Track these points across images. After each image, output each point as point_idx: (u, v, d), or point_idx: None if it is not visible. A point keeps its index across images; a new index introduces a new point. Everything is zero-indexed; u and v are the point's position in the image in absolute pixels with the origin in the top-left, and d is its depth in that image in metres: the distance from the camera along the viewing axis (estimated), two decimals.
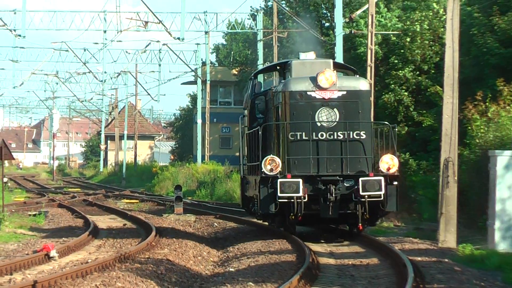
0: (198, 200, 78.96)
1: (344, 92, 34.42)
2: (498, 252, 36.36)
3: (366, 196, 33.18)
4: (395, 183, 35.21)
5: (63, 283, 27.91)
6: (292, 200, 32.69)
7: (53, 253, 36.39)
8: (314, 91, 34.00)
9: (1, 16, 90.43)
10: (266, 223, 44.74)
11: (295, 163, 35.27)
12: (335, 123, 34.58)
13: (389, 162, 34.52)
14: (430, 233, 44.03)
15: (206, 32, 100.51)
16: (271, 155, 34.76)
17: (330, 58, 53.60)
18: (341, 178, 34.25)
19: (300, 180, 33.10)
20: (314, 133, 34.56)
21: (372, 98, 45.18)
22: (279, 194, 32.47)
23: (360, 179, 33.26)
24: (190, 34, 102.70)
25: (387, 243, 36.72)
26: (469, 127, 49.29)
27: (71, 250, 39.70)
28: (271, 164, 33.17)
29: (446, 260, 32.99)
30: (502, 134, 47.24)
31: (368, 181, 33.07)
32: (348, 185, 33.93)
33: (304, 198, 33.21)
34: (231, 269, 32.35)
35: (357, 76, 39.83)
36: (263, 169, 33.76)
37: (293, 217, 34.36)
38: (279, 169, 33.66)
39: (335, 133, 34.50)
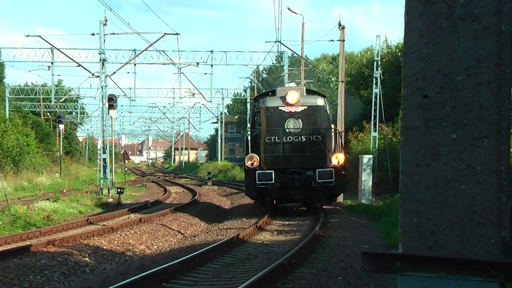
0: (218, 179, 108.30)
1: (306, 107, 40.21)
2: (363, 204, 55.91)
3: (321, 183, 38.29)
4: (343, 173, 41.12)
5: (153, 218, 42.57)
6: (267, 186, 38.08)
7: (149, 204, 54.58)
8: (284, 106, 39.86)
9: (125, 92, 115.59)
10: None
11: (270, 159, 40.68)
12: (299, 129, 40.31)
13: (338, 158, 40.15)
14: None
15: (223, 98, 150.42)
16: (252, 153, 40.94)
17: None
18: (304, 170, 39.59)
19: (273, 172, 38.34)
20: (284, 137, 40.13)
21: (327, 112, 47.79)
22: (257, 182, 37.92)
23: (317, 170, 38.57)
24: (215, 99, 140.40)
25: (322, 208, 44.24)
26: (350, 144, 75.37)
27: (158, 202, 59.04)
28: (252, 160, 39.36)
29: (338, 208, 49.92)
30: (365, 147, 70.09)
31: (323, 171, 38.25)
32: (309, 175, 39.01)
33: (277, 184, 38.34)
34: (235, 209, 51.76)
35: (318, 96, 45.62)
36: (246, 164, 40.54)
37: (268, 198, 40.44)
38: (257, 163, 39.41)
39: (300, 137, 40.07)
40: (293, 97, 39.93)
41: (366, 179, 57.03)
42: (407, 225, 5.20)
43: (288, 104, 40.06)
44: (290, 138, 40.54)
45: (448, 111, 5.23)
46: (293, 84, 52.68)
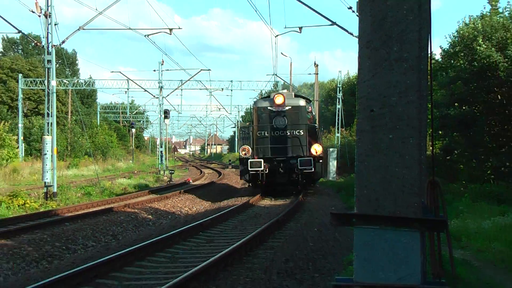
0: (235, 164, 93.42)
1: (290, 107, 35.34)
2: (330, 180, 53.31)
3: (302, 169, 33.80)
4: (320, 161, 35.85)
5: (192, 190, 40.64)
6: (258, 172, 33.95)
7: (190, 181, 52.44)
8: (272, 106, 35.38)
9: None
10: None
11: (260, 150, 35.77)
12: (285, 125, 35.43)
13: (316, 149, 34.83)
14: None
15: (238, 111, 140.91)
16: (245, 145, 36.43)
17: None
18: (288, 159, 34.94)
19: (262, 160, 34.03)
20: (271, 132, 35.38)
21: (309, 110, 40.86)
22: (249, 169, 33.89)
23: (298, 159, 34.06)
24: (234, 112, 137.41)
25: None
26: (322, 141, 61.85)
27: (196, 180, 57.25)
28: (245, 150, 35.22)
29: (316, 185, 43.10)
30: (331, 143, 65.51)
31: (303, 160, 33.69)
32: (292, 163, 34.34)
33: (266, 171, 34.14)
34: (243, 190, 42.80)
35: (301, 98, 38.69)
36: (240, 154, 35.96)
37: (259, 182, 35.68)
38: (249, 154, 35.03)
39: (285, 131, 35.25)
40: (280, 98, 35.76)
41: (332, 163, 57.05)
42: (360, 195, 5.23)
43: (275, 105, 35.60)
44: (277, 133, 35.73)
45: (387, 120, 5.26)
46: (284, 91, 45.85)
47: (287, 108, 35.62)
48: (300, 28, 39.46)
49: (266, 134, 35.64)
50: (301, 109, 36.29)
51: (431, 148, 6.97)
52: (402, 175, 5.13)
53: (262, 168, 33.65)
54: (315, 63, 68.06)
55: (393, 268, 5.02)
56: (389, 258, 5.03)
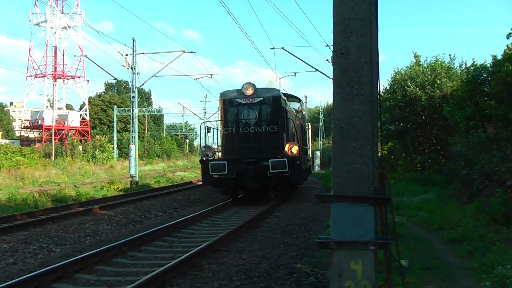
0: None
1: (261, 99, 22.12)
2: (316, 172, 50.87)
3: (275, 173, 20.17)
4: (298, 162, 21.07)
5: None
6: (222, 177, 20.81)
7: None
8: (241, 98, 22.14)
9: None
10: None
11: (227, 150, 22.40)
12: (255, 120, 21.87)
13: (291, 148, 21.21)
14: None
15: None
16: (206, 145, 23.59)
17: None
18: (259, 160, 21.00)
19: (225, 162, 20.64)
20: (240, 128, 22.09)
21: (299, 109, 29.51)
22: (211, 173, 20.55)
23: (270, 160, 20.36)
24: None
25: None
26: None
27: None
28: (207, 151, 21.98)
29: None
30: (316, 148, 65.29)
31: (276, 162, 20.15)
32: (264, 165, 20.61)
33: (232, 175, 20.51)
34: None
35: (275, 90, 23.74)
36: (202, 154, 22.24)
37: (224, 189, 22.17)
38: (211, 154, 21.78)
39: (256, 128, 21.87)
40: (249, 88, 22.35)
41: (317, 161, 57.13)
42: (334, 182, 5.23)
43: (244, 96, 22.45)
44: (246, 129, 22.35)
45: (352, 134, 5.26)
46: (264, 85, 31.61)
47: (258, 100, 22.19)
48: (295, 73, 38.25)
49: (233, 131, 22.16)
50: (276, 102, 22.20)
51: (380, 151, 6.96)
52: (361, 169, 5.15)
53: (226, 172, 20.38)
54: (305, 96, 69.28)
55: (355, 230, 5.04)
56: (353, 223, 5.05)
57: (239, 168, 20.22)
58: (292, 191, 23.61)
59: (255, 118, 21.33)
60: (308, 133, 35.31)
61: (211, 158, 20.99)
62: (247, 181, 20.33)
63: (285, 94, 25.16)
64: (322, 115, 73.54)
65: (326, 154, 63.43)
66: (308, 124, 35.63)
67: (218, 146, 22.67)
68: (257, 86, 21.79)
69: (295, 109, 27.94)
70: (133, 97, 33.08)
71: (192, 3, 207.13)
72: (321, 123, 72.61)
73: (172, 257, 10.25)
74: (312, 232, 13.54)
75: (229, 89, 22.45)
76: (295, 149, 20.23)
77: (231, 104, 21.56)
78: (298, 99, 30.15)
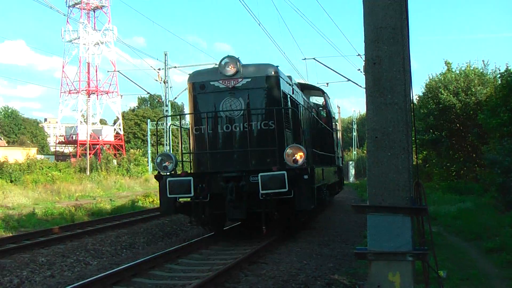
0: None
1: (249, 79, 13.38)
2: (351, 182, 50.78)
3: (269, 194, 11.92)
4: (306, 177, 12.33)
5: None
6: (190, 202, 13.08)
7: None
8: (217, 81, 13.49)
9: None
10: None
11: (197, 160, 13.99)
12: (241, 113, 13.25)
13: (293, 154, 12.36)
14: None
15: None
16: (165, 152, 16.21)
17: None
18: (246, 174, 12.58)
19: (191, 179, 12.47)
20: (218, 126, 13.60)
21: (323, 104, 21.83)
22: (168, 195, 12.72)
23: (260, 175, 11.93)
24: None
25: None
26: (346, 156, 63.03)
27: None
28: (166, 161, 13.58)
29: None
30: (350, 158, 65.22)
31: (268, 177, 11.75)
32: (254, 181, 12.24)
33: (206, 198, 12.66)
34: None
35: (271, 66, 13.62)
36: (157, 165, 13.71)
37: (194, 219, 13.35)
38: (172, 166, 13.49)
39: (241, 125, 13.27)
40: (230, 66, 13.38)
41: (352, 171, 56.91)
42: (370, 192, 5.23)
43: (224, 77, 13.46)
44: (227, 127, 13.42)
45: (386, 143, 5.26)
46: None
47: (245, 81, 13.64)
48: (327, 83, 37.98)
49: (208, 130, 13.65)
50: (273, 84, 13.48)
51: (415, 160, 6.92)
52: (397, 179, 5.15)
53: (192, 194, 12.54)
54: (337, 106, 69.00)
55: (392, 240, 5.03)
56: (390, 233, 5.03)
57: (214, 187, 12.61)
58: (299, 221, 14.78)
59: (241, 110, 13.20)
60: (338, 136, 25.01)
61: (172, 171, 13.37)
62: (229, 208, 12.41)
63: (302, 85, 19.44)
64: (355, 125, 73.19)
65: (361, 163, 63.06)
66: (337, 125, 25.28)
67: (190, 153, 14.40)
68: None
69: (317, 104, 21.62)
70: (166, 110, 33.53)
71: (223, 16, 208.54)
72: (354, 133, 72.23)
73: (209, 270, 10.17)
74: (350, 243, 13.45)
75: (203, 68, 15.38)
76: (299, 156, 12.19)
77: (203, 90, 13.56)
78: (321, 91, 22.25)
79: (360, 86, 36.55)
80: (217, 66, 13.75)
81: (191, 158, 14.16)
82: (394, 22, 5.50)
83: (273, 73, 13.36)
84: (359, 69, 33.07)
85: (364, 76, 5.75)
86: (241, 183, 12.40)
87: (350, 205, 15.56)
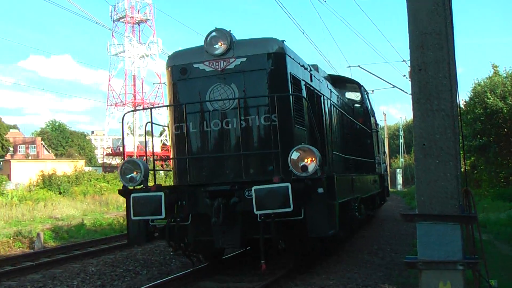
0: None
1: (244, 60, 8.97)
2: (398, 190, 50.48)
3: (272, 215, 7.95)
4: (321, 190, 8.11)
5: None
6: (168, 223, 8.79)
7: None
8: (202, 62, 9.19)
9: None
10: None
11: (178, 168, 9.75)
12: (234, 103, 8.93)
13: (301, 159, 8.13)
14: None
15: None
16: (132, 158, 10.89)
17: None
18: (240, 188, 8.58)
19: (162, 194, 8.42)
20: (205, 124, 9.24)
21: (359, 99, 17.96)
22: (132, 217, 8.66)
23: (254, 188, 7.93)
24: None
25: None
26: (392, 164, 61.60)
27: None
28: (132, 171, 9.08)
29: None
30: (397, 166, 64.03)
31: (265, 191, 7.80)
32: (250, 197, 8.08)
33: (187, 220, 8.79)
34: None
35: (276, 41, 9.31)
36: (121, 176, 9.22)
37: (175, 245, 9.39)
38: (140, 176, 8.98)
39: (235, 119, 8.94)
40: (219, 42, 9.08)
41: (399, 179, 56.27)
42: (419, 201, 5.20)
43: (211, 58, 9.16)
44: (216, 124, 9.15)
45: (434, 151, 5.22)
46: None
47: (239, 62, 9.14)
48: (373, 90, 37.75)
49: (191, 128, 9.43)
50: (276, 63, 9.17)
51: (463, 166, 6.84)
52: (445, 187, 5.11)
53: (164, 215, 8.54)
54: (383, 113, 68.51)
55: (443, 249, 4.98)
56: (440, 242, 4.98)
57: (197, 205, 9.03)
58: (316, 249, 10.59)
59: (234, 100, 9.26)
60: (379, 138, 20.94)
61: (140, 183, 9.31)
62: (216, 233, 8.88)
63: (333, 77, 15.90)
64: (402, 132, 72.26)
65: (408, 171, 62.29)
66: (378, 125, 21.27)
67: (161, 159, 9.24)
68: None
69: (352, 100, 17.90)
70: None
71: (266, 25, 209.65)
72: (401, 140, 71.33)
73: (258, 280, 9.90)
74: (399, 252, 13.31)
75: (186, 48, 10.50)
76: (310, 160, 8.34)
77: (185, 75, 9.70)
78: (356, 84, 18.20)
79: (406, 92, 36.17)
80: (202, 45, 9.57)
81: (173, 166, 10.24)
82: (438, 27, 5.46)
83: (276, 49, 9.32)
84: (404, 75, 32.62)
85: (409, 81, 5.72)
86: (233, 199, 8.61)
87: (398, 213, 15.42)
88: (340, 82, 16.84)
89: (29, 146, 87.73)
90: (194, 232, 9.34)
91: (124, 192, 9.34)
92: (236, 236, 8.75)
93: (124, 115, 11.66)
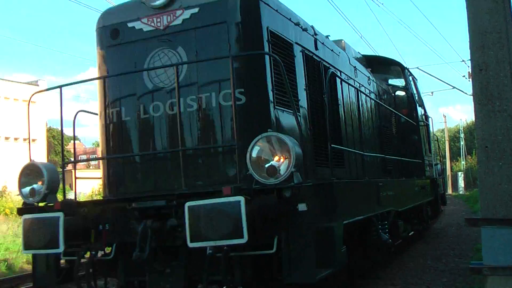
0: None
1: (196, 10, 5.17)
2: (460, 194, 48.23)
3: (225, 249, 4.29)
4: (302, 207, 4.29)
5: None
6: (77, 260, 4.96)
7: None
8: (139, 19, 5.47)
9: None
10: None
11: (108, 173, 5.82)
12: (181, 76, 5.04)
13: (268, 155, 4.42)
14: None
15: None
16: (34, 162, 5.50)
17: None
18: (177, 204, 4.70)
19: (60, 216, 4.71)
20: (141, 106, 5.48)
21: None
22: (22, 250, 5.15)
23: (186, 205, 4.31)
24: None
25: None
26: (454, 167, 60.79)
27: None
28: (34, 180, 5.33)
29: (448, 195, 38.99)
30: (458, 169, 62.43)
31: (204, 211, 4.19)
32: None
33: (110, 255, 5.11)
34: None
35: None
36: (20, 190, 5.43)
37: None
38: (43, 188, 5.17)
39: (185, 99, 5.04)
40: None
41: (460, 182, 55.01)
42: (483, 205, 5.12)
43: (150, 13, 5.46)
44: (156, 108, 5.46)
45: (497, 153, 5.14)
46: None
47: (188, 15, 5.44)
48: (432, 92, 37.28)
49: (123, 115, 5.83)
50: (242, 12, 5.40)
51: None
52: (509, 190, 5.02)
53: (61, 249, 4.88)
54: (443, 115, 67.47)
55: (509, 254, 4.88)
56: (506, 247, 4.89)
57: (125, 231, 5.33)
58: None
59: (181, 70, 5.56)
60: (429, 133, 15.60)
61: (42, 197, 5.64)
62: (147, 274, 5.36)
63: (368, 58, 12.38)
64: (463, 134, 70.74)
65: (470, 174, 60.80)
66: (428, 117, 15.65)
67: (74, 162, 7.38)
68: None
69: (394, 85, 13.53)
70: None
71: (324, 30, 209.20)
72: (462, 142, 69.84)
73: None
74: (463, 257, 13.10)
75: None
76: (283, 158, 4.68)
77: (116, 39, 6.13)
78: (399, 67, 13.81)
79: (466, 93, 35.41)
80: None
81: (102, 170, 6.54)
82: (499, 26, 5.36)
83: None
84: (464, 76, 32.05)
85: (469, 82, 5.65)
86: (169, 221, 5.10)
87: (460, 218, 15.15)
88: (377, 64, 12.62)
89: (90, 156, 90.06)
90: (124, 271, 5.71)
91: (21, 212, 5.80)
92: (178, 277, 5.30)
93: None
